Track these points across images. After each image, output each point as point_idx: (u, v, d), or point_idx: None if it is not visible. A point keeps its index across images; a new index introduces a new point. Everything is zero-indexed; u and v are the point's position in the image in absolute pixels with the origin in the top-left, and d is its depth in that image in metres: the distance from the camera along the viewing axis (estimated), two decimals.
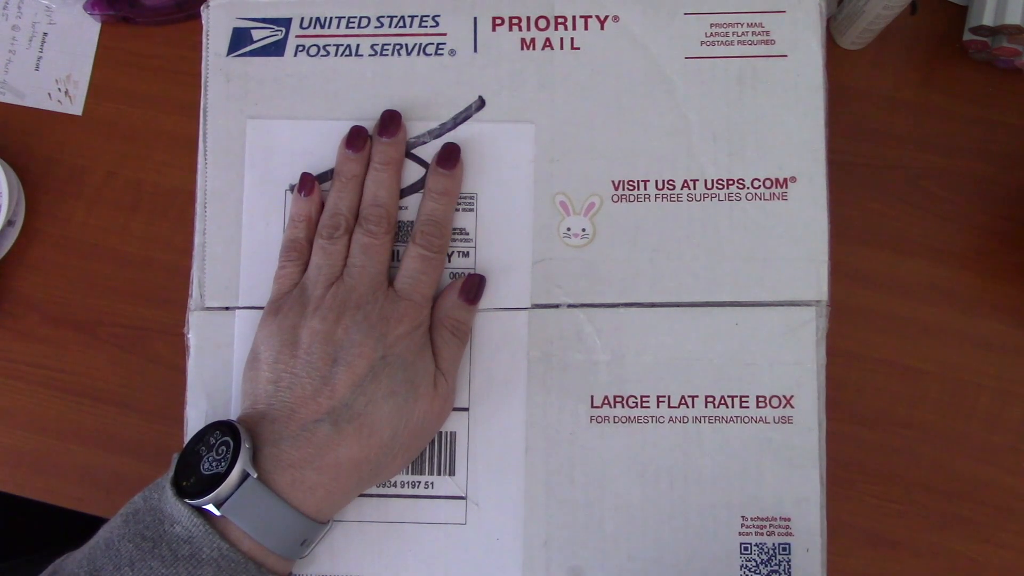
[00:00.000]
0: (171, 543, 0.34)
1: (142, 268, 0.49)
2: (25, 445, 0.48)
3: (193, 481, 0.35)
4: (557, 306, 0.41)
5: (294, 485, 0.36)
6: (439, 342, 0.39)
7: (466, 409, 0.40)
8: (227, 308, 0.41)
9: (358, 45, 0.42)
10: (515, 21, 0.42)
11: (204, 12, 0.43)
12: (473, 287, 0.40)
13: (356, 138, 0.41)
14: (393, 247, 0.40)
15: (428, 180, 0.41)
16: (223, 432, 0.36)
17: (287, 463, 0.36)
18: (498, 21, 0.42)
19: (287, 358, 0.37)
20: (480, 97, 0.42)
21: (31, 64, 0.51)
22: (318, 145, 0.42)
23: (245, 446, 0.35)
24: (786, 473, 0.40)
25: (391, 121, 0.40)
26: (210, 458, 0.35)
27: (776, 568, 0.39)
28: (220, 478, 0.34)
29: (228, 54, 0.42)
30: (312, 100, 0.42)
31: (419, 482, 0.40)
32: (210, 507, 0.34)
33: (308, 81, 0.42)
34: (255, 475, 0.35)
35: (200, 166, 0.42)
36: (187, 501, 0.34)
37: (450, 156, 0.40)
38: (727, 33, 0.41)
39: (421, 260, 0.39)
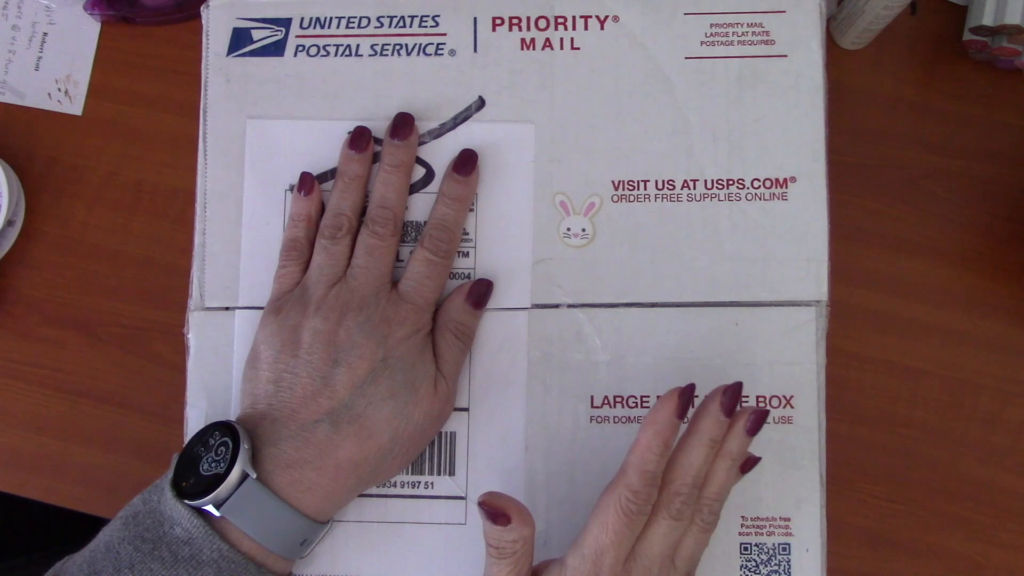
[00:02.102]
0: (171, 545, 0.34)
1: (142, 268, 0.49)
2: (25, 445, 0.48)
3: (192, 482, 0.35)
4: (557, 306, 0.41)
5: (293, 485, 0.36)
6: (442, 345, 0.39)
7: (466, 409, 0.40)
8: (227, 308, 0.41)
9: (358, 45, 0.42)
10: (515, 21, 0.42)
11: (204, 12, 0.43)
12: (480, 292, 0.40)
13: (360, 139, 0.41)
14: (398, 248, 0.40)
15: (443, 184, 0.41)
16: (222, 433, 0.36)
17: (286, 463, 0.36)
18: (498, 21, 0.42)
19: (288, 358, 0.37)
20: (480, 97, 0.42)
21: (31, 64, 0.51)
22: (318, 145, 0.42)
23: (244, 447, 0.35)
24: (786, 473, 0.40)
25: (404, 124, 0.40)
26: (209, 459, 0.35)
27: (776, 568, 0.39)
28: (219, 479, 0.34)
29: (228, 54, 0.42)
30: (312, 100, 0.42)
31: (419, 482, 0.40)
32: (210, 508, 0.35)
33: (308, 81, 0.42)
34: (254, 475, 0.35)
35: (200, 166, 0.42)
36: (186, 502, 0.34)
37: (467, 162, 0.40)
38: (727, 33, 0.41)
39: (427, 264, 0.39)
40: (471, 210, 0.41)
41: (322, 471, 0.36)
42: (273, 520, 0.35)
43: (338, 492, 0.37)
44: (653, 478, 0.34)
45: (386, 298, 0.38)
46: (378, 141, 0.41)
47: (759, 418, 0.36)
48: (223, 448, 0.35)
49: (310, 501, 0.36)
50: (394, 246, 0.40)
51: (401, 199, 0.40)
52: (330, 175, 0.41)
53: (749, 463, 0.37)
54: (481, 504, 0.34)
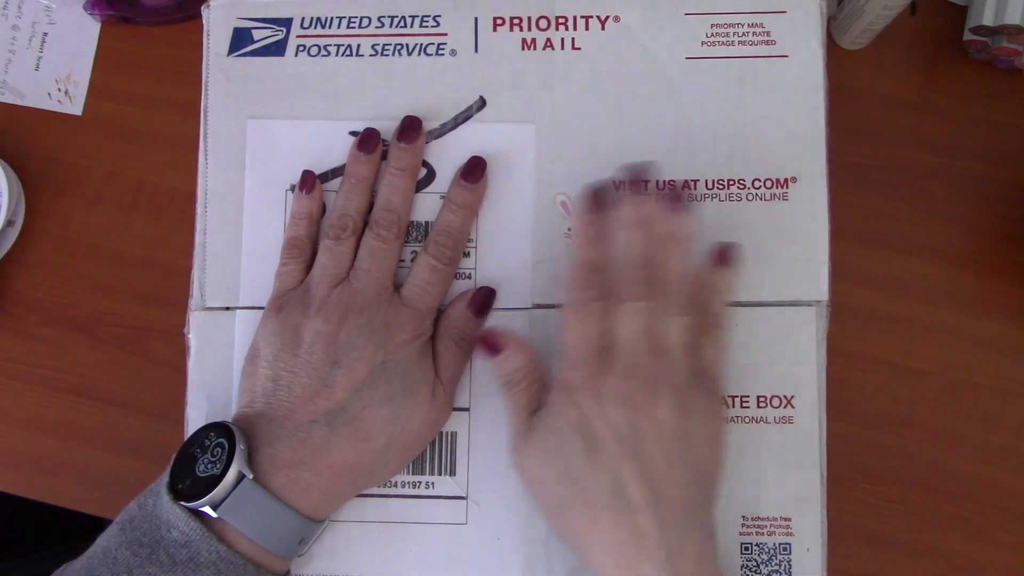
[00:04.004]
0: (168, 548, 0.34)
1: (142, 268, 0.49)
2: (25, 445, 0.48)
3: (189, 484, 0.35)
4: (558, 306, 0.41)
5: (289, 485, 0.36)
6: (442, 351, 0.39)
7: (467, 409, 0.40)
8: (227, 308, 0.41)
9: (359, 45, 0.42)
10: (516, 21, 0.42)
11: (205, 12, 0.43)
12: (482, 300, 0.40)
13: (369, 140, 0.40)
14: (401, 251, 0.40)
15: (450, 191, 0.41)
16: (218, 434, 0.36)
17: (283, 463, 0.36)
18: (499, 21, 0.42)
19: (288, 357, 0.37)
20: (481, 97, 0.42)
21: (31, 64, 0.51)
22: (319, 145, 0.42)
23: (240, 447, 0.35)
24: (786, 473, 0.40)
25: (412, 127, 0.40)
26: (205, 460, 0.35)
27: (776, 568, 0.39)
28: (216, 480, 0.34)
29: (229, 54, 0.42)
30: (313, 100, 0.42)
31: (420, 482, 0.40)
32: (206, 509, 0.34)
33: (309, 81, 0.42)
34: (250, 476, 0.35)
35: (200, 166, 0.42)
36: (183, 504, 0.34)
37: (475, 170, 0.40)
38: (728, 33, 0.41)
39: (430, 270, 0.39)
40: None
41: (318, 472, 0.36)
42: (270, 520, 0.35)
43: (334, 492, 0.37)
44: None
45: (388, 302, 0.38)
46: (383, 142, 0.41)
47: None
48: (219, 449, 0.35)
49: (307, 501, 0.36)
50: (398, 249, 0.40)
51: (406, 203, 0.40)
52: (331, 175, 0.41)
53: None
54: (480, 339, 0.37)
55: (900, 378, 0.47)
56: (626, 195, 0.37)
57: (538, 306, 0.41)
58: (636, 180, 0.37)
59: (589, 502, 0.34)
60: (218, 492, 0.34)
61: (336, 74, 0.42)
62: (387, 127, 0.41)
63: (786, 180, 0.41)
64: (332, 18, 0.42)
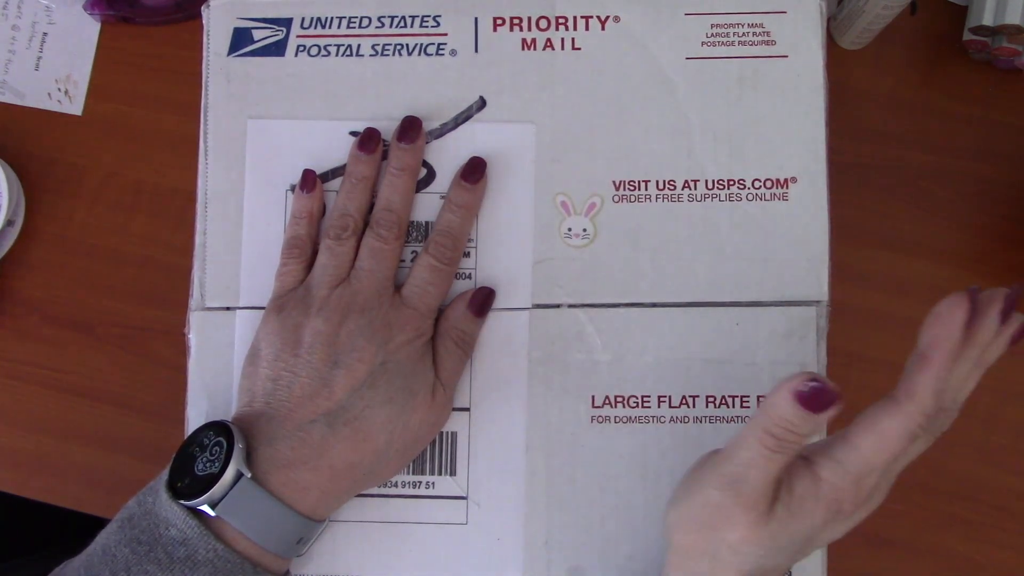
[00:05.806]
0: (167, 546, 0.34)
1: (142, 268, 0.49)
2: (25, 445, 0.48)
3: (187, 482, 0.35)
4: (558, 306, 0.41)
5: (288, 485, 0.36)
6: (442, 352, 0.39)
7: (467, 409, 0.40)
8: (228, 308, 0.41)
9: (359, 45, 0.42)
10: (516, 21, 0.42)
11: (205, 12, 0.43)
12: (482, 300, 0.40)
13: (369, 140, 0.41)
14: (402, 251, 0.40)
15: (450, 191, 0.41)
16: (216, 432, 0.36)
17: (282, 463, 0.36)
18: (499, 21, 0.42)
19: (288, 357, 0.37)
20: (481, 97, 0.42)
21: (31, 64, 0.51)
22: (319, 145, 0.42)
23: (238, 446, 0.35)
24: None
25: (411, 127, 0.40)
26: (204, 459, 0.35)
27: None
28: (214, 479, 0.34)
29: (229, 54, 0.42)
30: (313, 100, 0.42)
31: (420, 482, 0.40)
32: (205, 508, 0.34)
33: (309, 81, 0.42)
34: (249, 475, 0.35)
35: (201, 166, 0.42)
36: (181, 503, 0.34)
37: (475, 170, 0.40)
38: (728, 34, 0.41)
39: (431, 271, 0.39)
40: None
41: (317, 471, 0.36)
42: (269, 519, 0.35)
43: (334, 492, 0.37)
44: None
45: (388, 302, 0.38)
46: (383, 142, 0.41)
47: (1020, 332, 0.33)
48: (217, 448, 0.35)
49: (306, 501, 0.36)
50: (398, 249, 0.40)
51: (406, 203, 0.40)
52: (331, 175, 0.42)
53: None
54: (810, 383, 0.30)
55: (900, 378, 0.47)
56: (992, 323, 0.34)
57: (538, 306, 0.41)
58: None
59: None
60: (216, 491, 0.34)
61: (336, 74, 0.42)
62: (387, 127, 0.41)
63: (786, 180, 0.41)
64: (332, 18, 0.42)
